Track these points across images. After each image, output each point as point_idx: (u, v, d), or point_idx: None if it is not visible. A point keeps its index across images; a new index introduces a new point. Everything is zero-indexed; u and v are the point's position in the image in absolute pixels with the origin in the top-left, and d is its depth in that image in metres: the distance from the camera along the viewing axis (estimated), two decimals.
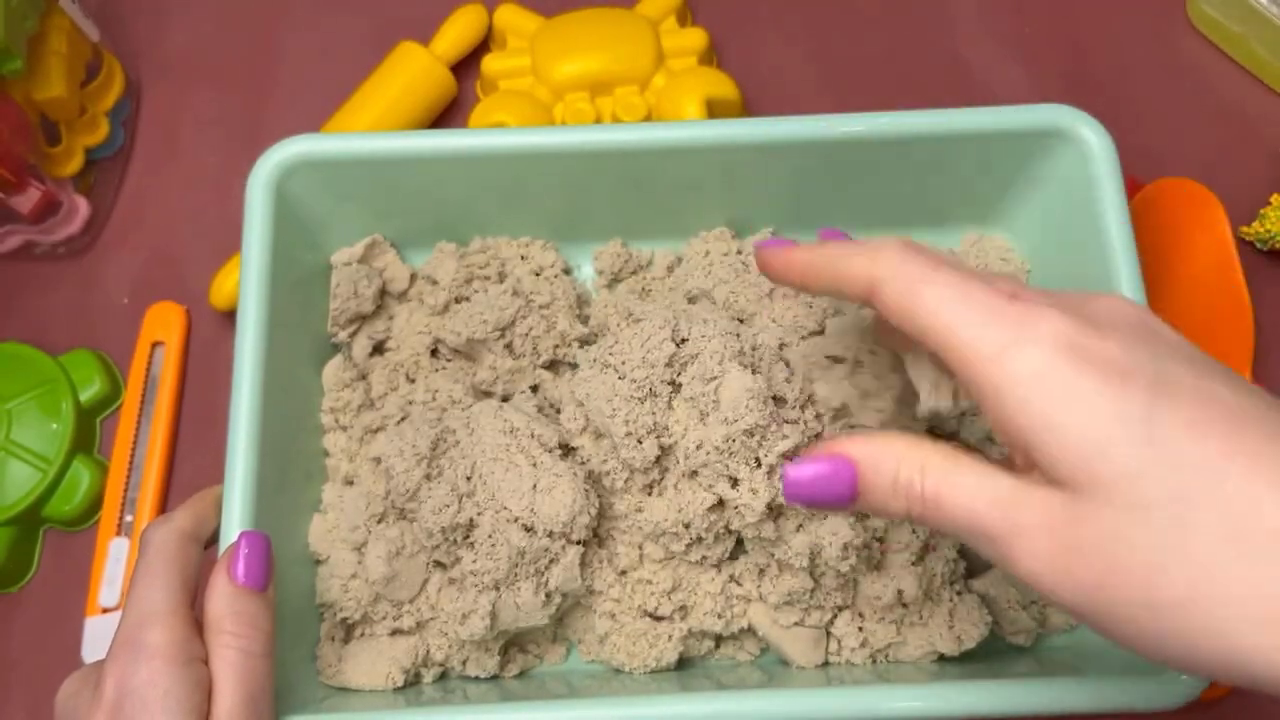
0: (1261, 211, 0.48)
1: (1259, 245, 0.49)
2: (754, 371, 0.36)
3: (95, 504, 0.45)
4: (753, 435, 0.35)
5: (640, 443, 0.36)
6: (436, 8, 0.53)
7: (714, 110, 0.49)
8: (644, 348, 0.37)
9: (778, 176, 0.43)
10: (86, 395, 0.46)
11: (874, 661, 0.39)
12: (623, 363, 0.37)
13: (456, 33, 0.52)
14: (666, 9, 0.52)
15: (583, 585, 0.38)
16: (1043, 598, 0.27)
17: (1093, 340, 0.24)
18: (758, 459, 0.36)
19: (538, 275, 0.44)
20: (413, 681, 0.38)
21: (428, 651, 0.39)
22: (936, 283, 0.26)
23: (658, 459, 0.37)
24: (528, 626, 0.38)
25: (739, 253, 0.44)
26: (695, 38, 0.51)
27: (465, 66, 0.53)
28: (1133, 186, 0.49)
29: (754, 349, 0.37)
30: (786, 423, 0.36)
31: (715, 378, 0.36)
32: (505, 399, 0.42)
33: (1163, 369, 0.23)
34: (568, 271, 0.45)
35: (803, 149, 0.41)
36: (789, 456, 0.35)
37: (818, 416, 0.37)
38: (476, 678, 0.39)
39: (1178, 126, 0.52)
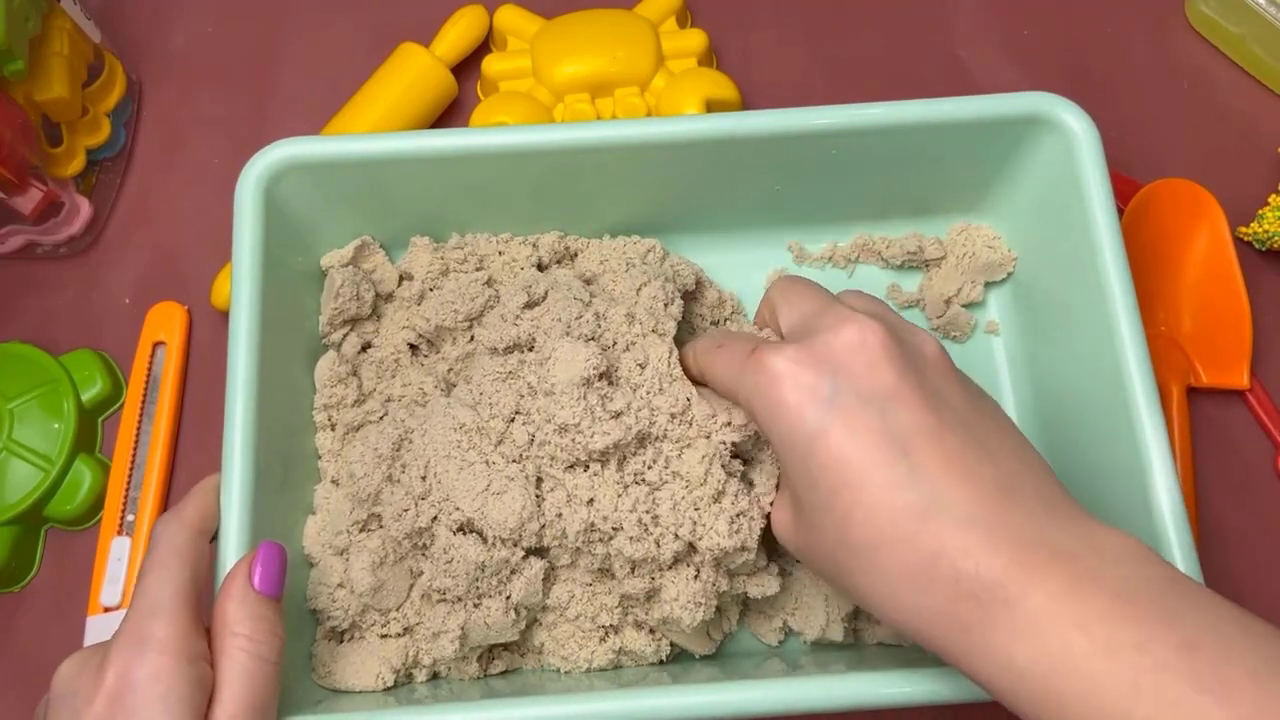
0: (1259, 212, 0.48)
1: (1257, 245, 0.49)
2: (588, 340, 0.35)
3: (97, 503, 0.45)
4: (565, 433, 0.34)
5: (509, 425, 0.35)
6: (437, 9, 0.53)
7: (714, 111, 0.49)
8: (500, 305, 0.36)
9: (763, 170, 0.43)
10: (88, 395, 0.46)
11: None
12: (489, 336, 0.36)
13: (457, 34, 0.52)
14: (666, 10, 0.52)
15: (541, 600, 0.37)
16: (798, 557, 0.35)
17: (800, 374, 0.31)
18: (584, 460, 0.34)
19: (507, 267, 0.44)
20: (404, 681, 0.38)
21: (417, 654, 0.38)
22: (715, 359, 0.35)
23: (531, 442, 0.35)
24: (499, 641, 0.38)
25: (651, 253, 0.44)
26: (695, 39, 0.51)
27: (466, 68, 0.53)
28: (1131, 187, 0.50)
29: (599, 316, 0.36)
30: (613, 417, 0.34)
31: (550, 355, 0.35)
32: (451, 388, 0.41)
33: (839, 395, 0.30)
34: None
35: (787, 142, 0.41)
36: (608, 451, 0.34)
37: (654, 400, 0.35)
38: (462, 679, 0.39)
39: (1175, 127, 0.52)
